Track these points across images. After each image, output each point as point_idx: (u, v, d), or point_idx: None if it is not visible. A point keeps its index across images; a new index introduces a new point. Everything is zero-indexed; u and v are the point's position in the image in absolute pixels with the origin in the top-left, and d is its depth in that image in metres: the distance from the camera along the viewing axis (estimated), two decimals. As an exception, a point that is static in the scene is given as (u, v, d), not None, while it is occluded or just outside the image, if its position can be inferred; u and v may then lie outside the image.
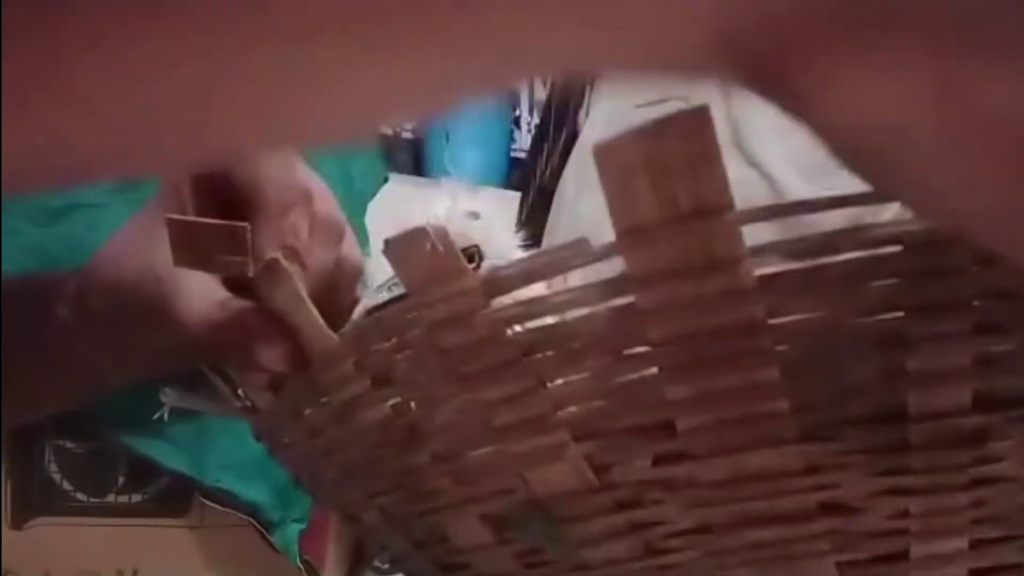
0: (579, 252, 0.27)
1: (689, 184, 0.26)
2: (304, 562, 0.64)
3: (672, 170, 0.25)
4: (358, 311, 0.36)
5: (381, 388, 0.34)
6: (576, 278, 0.29)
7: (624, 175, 0.26)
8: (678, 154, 0.25)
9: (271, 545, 0.62)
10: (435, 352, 0.31)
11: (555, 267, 0.28)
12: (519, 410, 0.31)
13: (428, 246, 0.29)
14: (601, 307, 0.29)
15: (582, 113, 1.73)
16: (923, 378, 0.29)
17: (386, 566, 0.64)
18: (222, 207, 0.41)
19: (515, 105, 2.14)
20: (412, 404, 0.34)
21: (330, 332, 0.34)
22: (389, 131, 2.03)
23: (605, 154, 0.26)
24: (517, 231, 0.42)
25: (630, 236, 0.27)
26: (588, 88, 1.68)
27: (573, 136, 1.71)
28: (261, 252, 0.37)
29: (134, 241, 0.42)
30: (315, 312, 0.34)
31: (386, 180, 0.82)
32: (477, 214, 0.39)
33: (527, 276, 0.28)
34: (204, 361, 0.40)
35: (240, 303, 0.38)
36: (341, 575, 0.65)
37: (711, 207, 0.26)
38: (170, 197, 0.43)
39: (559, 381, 0.30)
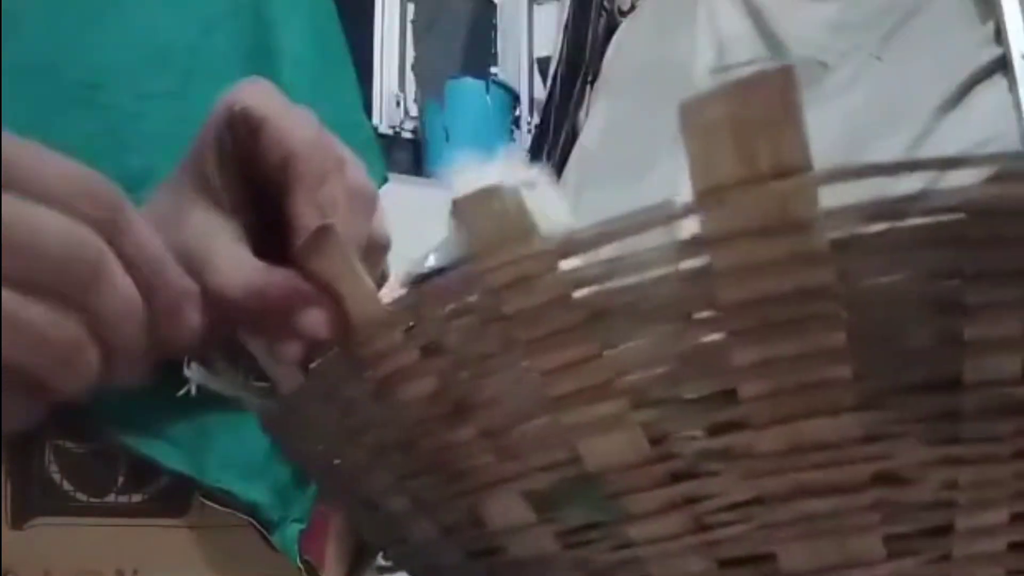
0: (660, 214, 0.28)
1: (771, 143, 0.26)
2: (304, 562, 0.63)
3: (756, 127, 0.26)
4: (392, 283, 0.36)
5: (430, 358, 0.34)
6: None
7: (708, 132, 0.26)
8: (763, 111, 0.26)
9: (271, 545, 0.61)
10: (495, 318, 0.31)
11: (632, 230, 0.28)
12: (578, 378, 0.31)
13: (498, 206, 0.29)
14: (673, 268, 0.29)
15: (582, 113, 1.74)
16: (980, 346, 0.30)
17: (389, 564, 0.63)
18: (250, 178, 0.40)
19: (515, 105, 2.16)
20: (464, 375, 0.34)
21: (381, 300, 0.34)
22: (389, 131, 2.04)
23: (690, 111, 0.26)
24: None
25: (709, 195, 0.27)
26: (588, 88, 1.70)
27: (573, 136, 1.72)
28: (301, 224, 0.37)
29: (160, 218, 0.41)
30: (367, 279, 0.34)
31: (386, 180, 0.82)
32: (533, 183, 0.40)
33: (602, 239, 0.29)
34: (242, 334, 0.40)
35: (279, 269, 0.37)
36: (341, 575, 0.65)
37: (790, 166, 0.26)
38: (194, 169, 0.42)
39: (623, 346, 0.31)
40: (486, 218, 0.29)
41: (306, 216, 0.36)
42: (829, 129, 1.60)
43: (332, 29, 1.23)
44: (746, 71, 0.26)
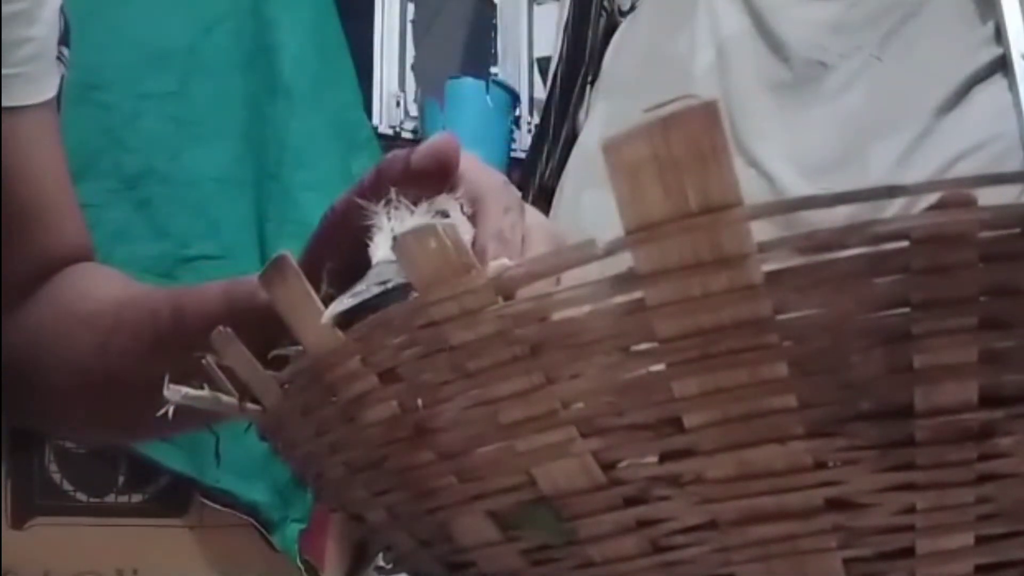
0: (587, 252, 0.28)
1: (697, 180, 0.26)
2: (304, 562, 0.64)
3: (680, 166, 0.26)
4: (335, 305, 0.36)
5: (387, 385, 0.34)
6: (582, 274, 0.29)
7: (632, 171, 0.26)
8: (686, 149, 0.25)
9: (271, 545, 0.62)
10: (443, 349, 0.31)
11: (563, 266, 0.28)
12: (526, 407, 0.31)
13: (437, 243, 0.29)
14: (609, 303, 0.29)
15: (582, 113, 1.74)
16: (929, 374, 0.29)
17: (390, 565, 0.64)
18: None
19: (515, 105, 2.15)
20: (419, 401, 0.34)
21: (336, 329, 0.34)
22: (389, 131, 2.04)
23: (613, 149, 0.26)
24: None
25: (638, 232, 0.27)
26: (588, 88, 1.69)
27: (573, 136, 1.72)
28: (481, 244, 0.41)
29: None
30: (322, 309, 0.34)
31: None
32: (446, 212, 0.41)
33: (536, 275, 0.29)
34: None
35: None
36: (341, 575, 0.65)
37: (719, 203, 0.26)
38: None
39: (567, 377, 0.31)
40: (427, 253, 0.29)
41: (488, 247, 0.42)
42: (829, 129, 1.57)
43: (332, 29, 1.24)
44: (669, 107, 0.26)
